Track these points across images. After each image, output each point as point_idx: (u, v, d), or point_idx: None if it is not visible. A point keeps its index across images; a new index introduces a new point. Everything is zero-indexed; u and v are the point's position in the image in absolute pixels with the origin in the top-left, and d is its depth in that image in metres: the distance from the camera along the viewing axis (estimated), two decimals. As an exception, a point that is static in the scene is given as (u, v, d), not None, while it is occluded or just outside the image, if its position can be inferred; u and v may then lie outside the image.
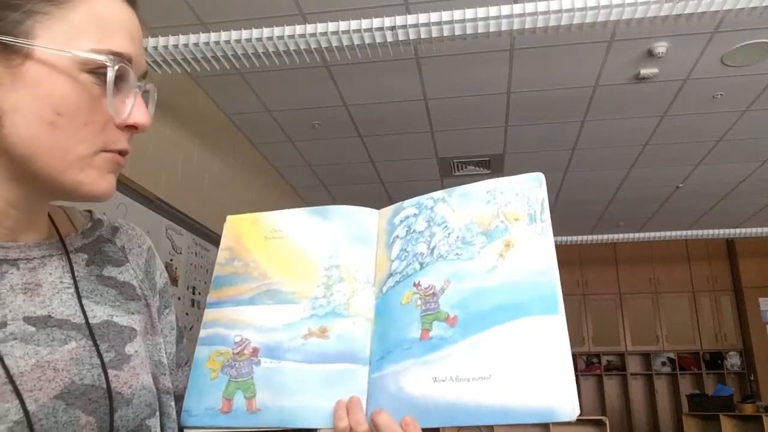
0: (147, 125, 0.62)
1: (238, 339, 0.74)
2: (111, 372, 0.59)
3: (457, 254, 0.71)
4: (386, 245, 0.76)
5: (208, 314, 0.77)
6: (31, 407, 0.52)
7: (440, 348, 0.67)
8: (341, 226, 0.78)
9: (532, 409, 0.61)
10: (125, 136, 0.61)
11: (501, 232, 0.70)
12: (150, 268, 0.75)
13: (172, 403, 0.69)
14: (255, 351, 0.72)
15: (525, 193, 0.71)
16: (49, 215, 0.67)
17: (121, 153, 0.61)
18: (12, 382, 0.52)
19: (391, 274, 0.74)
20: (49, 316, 0.59)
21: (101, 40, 0.57)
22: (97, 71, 0.57)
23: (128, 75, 0.60)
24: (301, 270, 0.76)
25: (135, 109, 0.61)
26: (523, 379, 0.63)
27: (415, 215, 0.76)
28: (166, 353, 0.72)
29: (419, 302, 0.70)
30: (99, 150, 0.59)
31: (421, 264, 0.73)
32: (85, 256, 0.68)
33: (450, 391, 0.64)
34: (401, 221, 0.77)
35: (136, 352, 0.64)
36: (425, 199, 0.77)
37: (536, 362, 0.63)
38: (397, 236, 0.76)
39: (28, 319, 0.57)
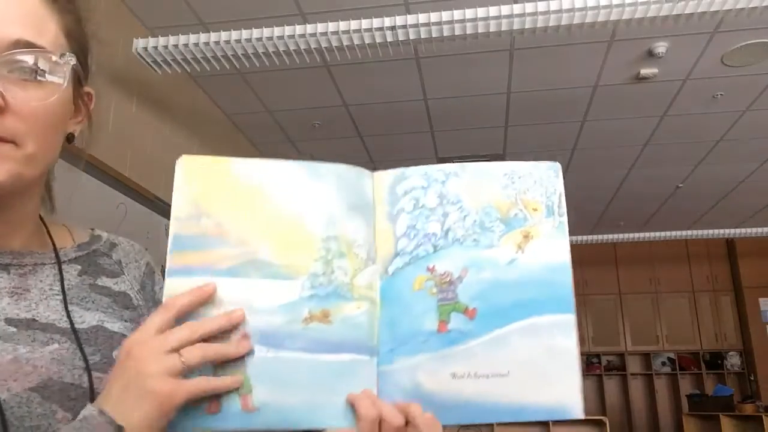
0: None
1: None
2: (95, 374, 0.60)
3: (474, 240, 0.66)
4: (389, 217, 0.67)
5: (171, 285, 0.59)
6: (3, 395, 0.53)
7: (459, 342, 0.63)
8: (335, 188, 0.66)
9: (544, 407, 0.62)
10: None
11: (520, 221, 0.66)
12: (148, 280, 0.76)
13: None
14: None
15: (543, 182, 0.67)
16: (48, 231, 0.69)
17: None
18: None
19: (398, 254, 0.65)
20: (33, 319, 0.60)
21: None
22: None
23: None
24: (292, 239, 0.63)
25: None
26: (538, 377, 0.63)
27: (423, 188, 0.68)
28: None
29: (434, 290, 0.63)
30: None
31: (434, 246, 0.66)
32: (78, 266, 0.68)
33: (468, 388, 0.62)
34: (406, 192, 0.68)
35: None
36: (434, 170, 0.68)
37: (550, 361, 0.63)
38: (403, 209, 0.67)
39: (9, 321, 0.58)
